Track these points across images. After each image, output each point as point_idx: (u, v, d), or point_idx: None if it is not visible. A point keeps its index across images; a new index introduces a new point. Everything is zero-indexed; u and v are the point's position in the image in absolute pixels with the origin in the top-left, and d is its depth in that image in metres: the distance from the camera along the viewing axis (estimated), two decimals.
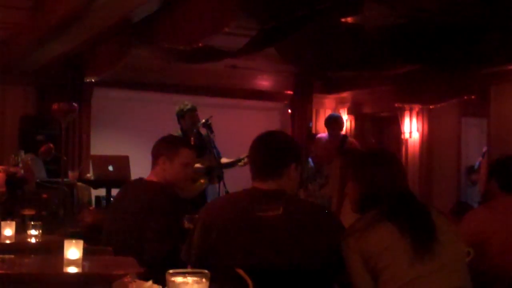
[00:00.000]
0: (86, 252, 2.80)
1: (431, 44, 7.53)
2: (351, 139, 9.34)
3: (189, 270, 1.72)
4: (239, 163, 7.22)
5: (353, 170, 2.91)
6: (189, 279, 1.67)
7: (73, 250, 2.72)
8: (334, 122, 8.70)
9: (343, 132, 9.73)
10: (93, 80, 9.36)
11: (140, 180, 3.81)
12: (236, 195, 2.82)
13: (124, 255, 3.12)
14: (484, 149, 8.65)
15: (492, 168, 4.06)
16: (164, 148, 3.71)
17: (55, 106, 7.39)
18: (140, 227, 3.46)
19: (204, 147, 7.15)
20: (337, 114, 9.20)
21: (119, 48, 8.13)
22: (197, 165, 6.75)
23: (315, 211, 2.74)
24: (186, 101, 7.30)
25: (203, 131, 7.08)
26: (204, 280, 1.68)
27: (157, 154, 3.71)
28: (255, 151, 2.83)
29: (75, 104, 7.57)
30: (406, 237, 2.57)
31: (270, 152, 2.79)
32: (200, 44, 7.01)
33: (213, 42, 7.18)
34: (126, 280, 1.80)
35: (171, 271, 1.68)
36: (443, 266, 2.56)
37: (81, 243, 2.76)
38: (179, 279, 1.66)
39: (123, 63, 8.24)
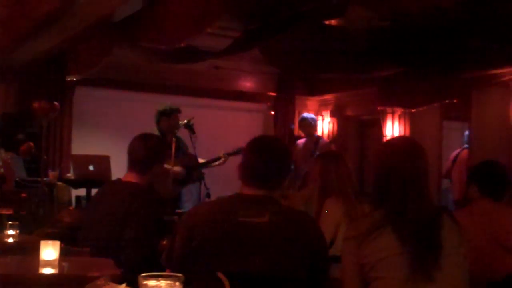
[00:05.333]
0: (63, 253, 2.78)
1: (414, 48, 7.57)
2: (324, 140, 9.38)
3: (162, 273, 1.70)
4: (215, 163, 7.25)
5: (373, 157, 2.71)
6: (162, 282, 1.66)
7: (49, 251, 2.70)
8: (301, 123, 9.15)
9: (319, 133, 9.84)
10: (74, 79, 9.31)
11: (119, 181, 3.78)
12: (220, 201, 2.75)
13: (102, 257, 3.10)
14: (453, 154, 8.64)
15: (473, 173, 4.06)
16: (149, 152, 3.67)
17: (36, 104, 7.32)
18: (118, 229, 3.43)
19: (181, 148, 7.14)
20: (306, 115, 9.26)
21: (101, 47, 8.10)
22: (176, 168, 6.76)
23: (301, 220, 2.66)
24: (168, 102, 7.29)
25: (184, 132, 7.06)
26: (177, 284, 1.67)
27: (139, 156, 3.67)
28: (256, 157, 2.70)
29: (56, 103, 7.51)
30: (406, 253, 2.41)
31: (275, 163, 2.68)
32: (182, 44, 7.00)
33: (195, 42, 7.16)
34: (99, 282, 1.78)
35: (144, 274, 1.67)
36: None
37: (57, 244, 2.74)
38: (152, 283, 1.65)
39: (105, 62, 8.21)
